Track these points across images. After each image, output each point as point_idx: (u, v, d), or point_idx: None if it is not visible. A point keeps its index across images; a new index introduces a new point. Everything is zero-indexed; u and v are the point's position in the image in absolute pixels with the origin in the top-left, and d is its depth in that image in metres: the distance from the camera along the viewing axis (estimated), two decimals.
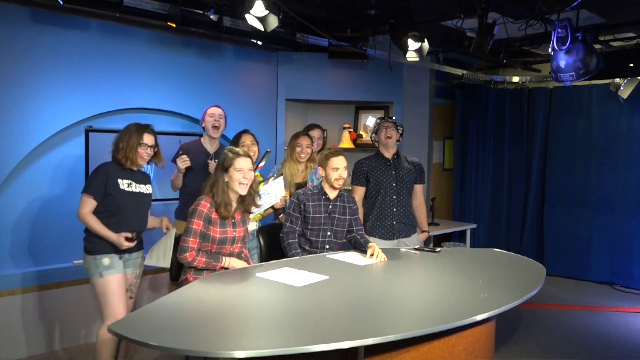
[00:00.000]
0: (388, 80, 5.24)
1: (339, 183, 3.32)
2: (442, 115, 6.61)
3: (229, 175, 2.89)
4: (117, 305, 2.96)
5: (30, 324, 3.66)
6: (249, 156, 2.99)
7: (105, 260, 3.00)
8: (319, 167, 3.43)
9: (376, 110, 5.40)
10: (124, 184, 3.04)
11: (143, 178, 3.20)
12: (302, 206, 3.33)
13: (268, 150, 3.78)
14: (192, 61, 4.38)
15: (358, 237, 3.41)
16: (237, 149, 3.01)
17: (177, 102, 4.29)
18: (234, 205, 2.96)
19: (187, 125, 4.44)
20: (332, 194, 3.40)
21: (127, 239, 3.00)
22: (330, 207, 3.38)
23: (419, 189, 4.04)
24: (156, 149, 3.15)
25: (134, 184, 3.09)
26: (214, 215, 2.88)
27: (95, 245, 3.01)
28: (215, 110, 3.84)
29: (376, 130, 3.95)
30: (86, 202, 2.99)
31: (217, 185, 2.89)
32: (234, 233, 2.95)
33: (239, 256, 3.03)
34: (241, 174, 2.88)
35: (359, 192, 3.94)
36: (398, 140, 3.94)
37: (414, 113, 5.98)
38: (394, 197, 3.85)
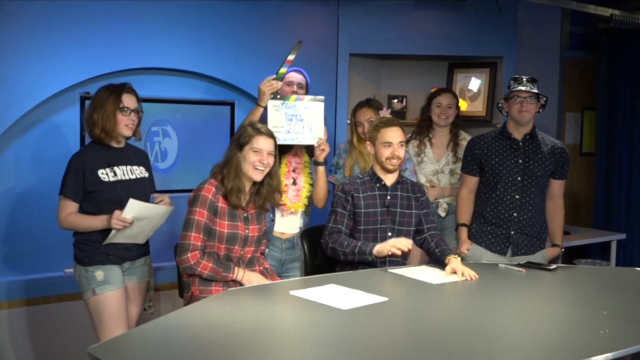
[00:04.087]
0: (496, 27, 5.15)
1: (392, 163, 3.36)
2: (580, 76, 6.44)
3: (242, 155, 3.04)
4: (115, 329, 3.13)
5: (8, 351, 3.91)
6: (273, 137, 3.12)
7: (99, 273, 3.17)
8: (367, 143, 3.48)
9: (478, 69, 5.31)
10: (106, 174, 3.17)
11: (135, 157, 3.31)
12: (350, 199, 3.39)
13: (300, 40, 3.76)
14: (221, 5, 4.46)
15: (431, 241, 3.42)
16: (260, 125, 3.15)
17: (200, 60, 4.39)
18: (248, 195, 3.10)
19: (212, 89, 4.56)
20: (388, 180, 3.43)
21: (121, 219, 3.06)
22: (389, 197, 3.41)
23: (557, 187, 3.92)
24: (140, 114, 3.27)
25: (121, 168, 3.21)
26: (221, 204, 3.04)
27: (87, 253, 3.18)
28: (294, 77, 3.95)
29: (507, 97, 3.83)
30: (65, 206, 3.15)
31: (230, 166, 3.05)
32: (246, 231, 3.08)
33: (251, 264, 3.15)
34: (258, 156, 3.03)
35: (469, 184, 3.94)
36: (538, 112, 3.82)
37: (536, 72, 5.69)
38: (517, 196, 3.76)
